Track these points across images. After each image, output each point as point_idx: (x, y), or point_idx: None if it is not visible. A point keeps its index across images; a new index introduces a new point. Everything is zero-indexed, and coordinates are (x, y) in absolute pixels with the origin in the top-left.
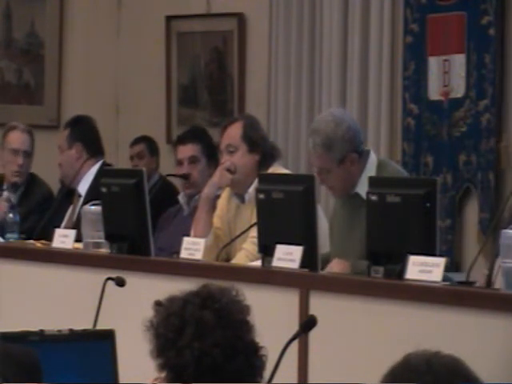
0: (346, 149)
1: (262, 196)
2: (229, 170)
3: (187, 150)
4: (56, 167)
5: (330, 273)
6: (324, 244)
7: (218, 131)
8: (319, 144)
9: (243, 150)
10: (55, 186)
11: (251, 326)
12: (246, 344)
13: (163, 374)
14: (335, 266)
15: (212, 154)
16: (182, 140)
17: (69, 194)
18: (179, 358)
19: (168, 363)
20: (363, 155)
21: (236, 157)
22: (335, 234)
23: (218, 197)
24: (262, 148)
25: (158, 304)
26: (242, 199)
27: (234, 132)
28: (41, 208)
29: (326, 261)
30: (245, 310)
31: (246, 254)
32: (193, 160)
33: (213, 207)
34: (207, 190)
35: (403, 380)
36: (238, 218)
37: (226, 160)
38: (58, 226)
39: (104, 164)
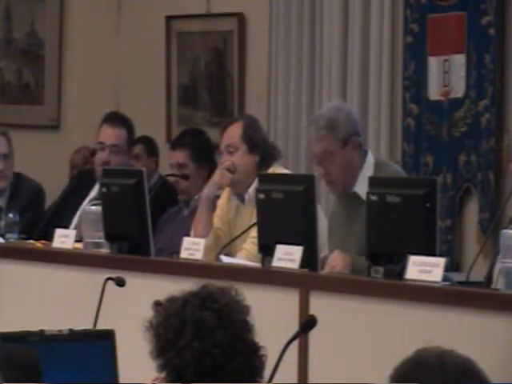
0: (349, 130)
1: (261, 196)
2: (229, 170)
3: (175, 157)
4: (56, 167)
5: (330, 273)
6: (324, 245)
7: (218, 131)
8: (322, 126)
9: (243, 151)
10: (56, 186)
11: (251, 326)
12: (246, 344)
13: (163, 374)
14: (336, 257)
15: (202, 158)
16: (172, 145)
17: (73, 191)
18: (179, 359)
19: (168, 364)
20: (362, 150)
21: (236, 157)
22: (334, 235)
23: (217, 197)
24: (261, 148)
25: (157, 304)
26: (242, 199)
27: (234, 132)
28: (34, 203)
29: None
30: (245, 310)
31: (246, 254)
32: (180, 166)
33: (213, 207)
34: (207, 190)
35: (414, 375)
36: (238, 218)
37: (225, 160)
38: (59, 226)
39: None
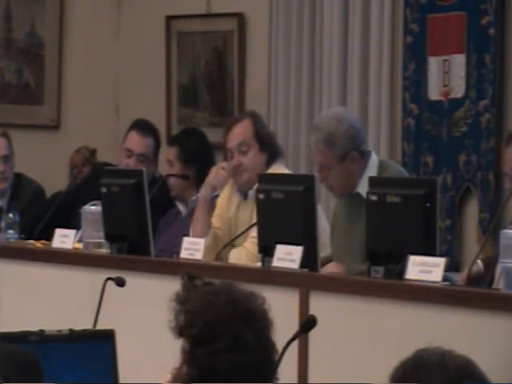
0: (348, 146)
1: (262, 196)
2: (224, 169)
3: (168, 152)
4: (56, 167)
5: (330, 273)
6: (324, 244)
7: (218, 131)
8: (321, 140)
9: (255, 150)
10: (56, 186)
11: (276, 347)
12: (272, 364)
13: (177, 366)
14: (330, 269)
15: (189, 159)
16: (170, 140)
17: (75, 191)
18: (211, 361)
19: (197, 359)
20: (365, 155)
21: (249, 157)
22: (336, 235)
23: (217, 196)
24: (269, 146)
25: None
26: (244, 195)
27: (246, 130)
28: (34, 204)
29: (326, 264)
30: (272, 325)
31: (246, 254)
32: (169, 163)
33: (211, 207)
34: (203, 191)
35: (414, 375)
36: (240, 214)
37: (237, 160)
38: (61, 226)
39: None
